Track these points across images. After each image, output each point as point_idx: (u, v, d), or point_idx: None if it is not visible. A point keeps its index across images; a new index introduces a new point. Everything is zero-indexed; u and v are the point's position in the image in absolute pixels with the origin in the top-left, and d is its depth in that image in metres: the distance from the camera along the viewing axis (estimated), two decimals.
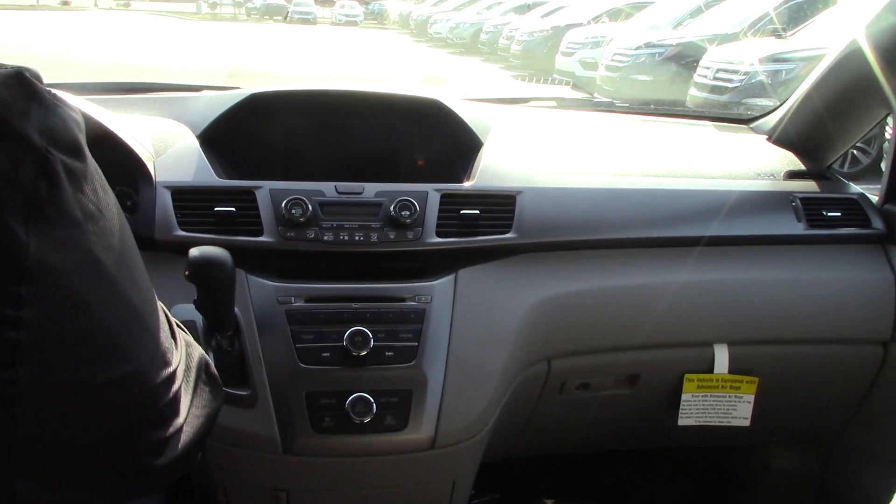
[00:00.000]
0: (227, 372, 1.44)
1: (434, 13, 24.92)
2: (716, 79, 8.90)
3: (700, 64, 9.36)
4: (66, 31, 21.78)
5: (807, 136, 1.98)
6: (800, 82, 2.02)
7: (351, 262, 1.59)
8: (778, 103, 2.14)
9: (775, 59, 8.57)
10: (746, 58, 8.75)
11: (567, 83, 12.28)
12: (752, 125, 2.18)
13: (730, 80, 8.73)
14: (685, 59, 10.50)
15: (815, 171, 1.94)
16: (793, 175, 1.90)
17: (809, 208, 1.83)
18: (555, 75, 12.99)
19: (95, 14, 34.98)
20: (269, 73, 12.76)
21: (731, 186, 1.82)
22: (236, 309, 1.43)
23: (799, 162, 1.96)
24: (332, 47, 20.74)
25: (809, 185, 1.89)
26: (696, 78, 9.30)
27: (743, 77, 8.65)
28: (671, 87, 10.49)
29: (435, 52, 20.41)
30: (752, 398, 1.79)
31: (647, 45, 11.12)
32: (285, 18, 36.45)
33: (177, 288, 1.42)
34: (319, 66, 14.74)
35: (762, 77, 8.52)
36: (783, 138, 2.04)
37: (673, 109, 2.41)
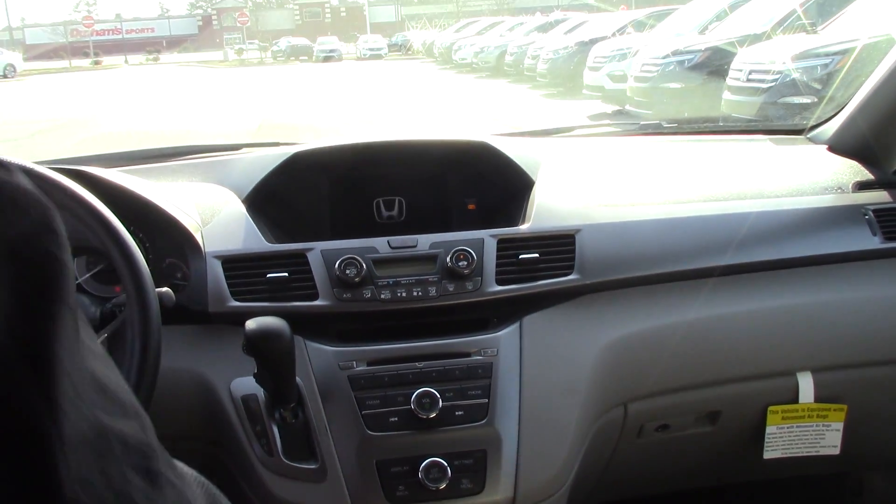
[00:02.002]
0: (292, 445, 1.40)
1: (458, 39, 25.00)
2: (749, 80, 8.75)
3: (731, 67, 9.21)
4: (99, 91, 22.25)
5: (871, 142, 1.89)
6: (839, 77, 1.93)
7: (410, 319, 1.53)
8: (816, 99, 2.06)
9: (809, 56, 8.40)
10: (778, 57, 8.60)
11: (598, 98, 12.28)
12: (809, 135, 2.09)
13: (763, 81, 8.57)
14: (715, 63, 10.35)
15: (883, 179, 1.85)
16: (861, 186, 1.81)
17: (884, 220, 1.74)
18: (584, 91, 12.92)
19: (126, 71, 35.74)
20: (300, 121, 12.85)
21: (799, 204, 1.73)
22: (298, 378, 1.39)
23: (863, 170, 1.87)
24: (361, 84, 20.91)
25: (880, 195, 1.80)
26: (728, 81, 9.16)
27: (776, 76, 8.48)
28: (704, 92, 10.35)
29: (462, 77, 20.46)
30: (840, 426, 1.70)
31: (675, 53, 10.98)
32: (311, 58, 36.91)
33: (235, 361, 1.39)
34: (352, 109, 14.83)
35: (796, 75, 8.37)
36: (845, 146, 1.95)
37: (724, 126, 2.33)
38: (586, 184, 1.73)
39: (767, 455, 1.72)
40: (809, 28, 9.29)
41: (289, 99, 17.89)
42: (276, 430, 1.40)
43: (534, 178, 1.70)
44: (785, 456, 1.72)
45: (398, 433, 1.41)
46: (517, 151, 1.75)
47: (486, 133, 1.81)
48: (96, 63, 42.41)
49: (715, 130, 2.25)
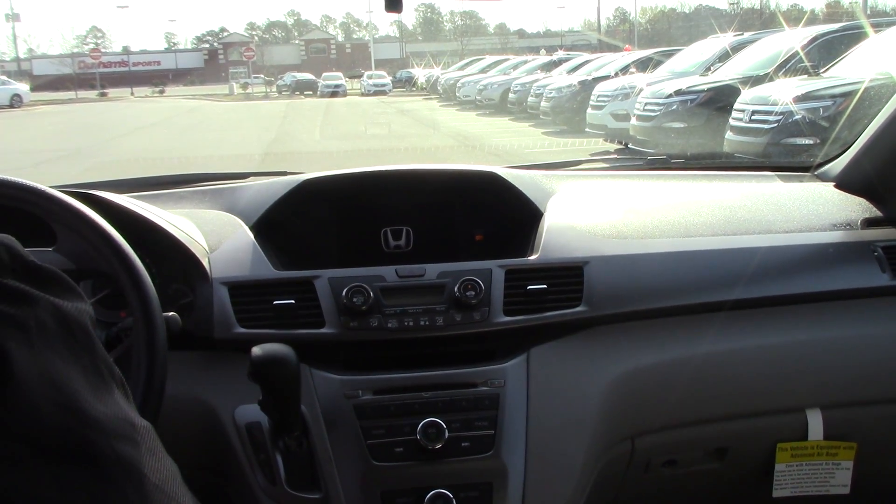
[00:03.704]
0: (296, 474, 1.38)
1: (461, 76, 25.22)
2: (751, 121, 8.80)
3: (734, 107, 9.27)
4: (106, 121, 22.40)
5: (879, 180, 1.89)
6: (841, 119, 1.93)
7: (417, 348, 1.52)
8: (818, 141, 2.06)
9: (811, 97, 8.46)
10: (781, 98, 8.65)
11: (601, 136, 12.34)
12: (816, 172, 2.09)
13: (766, 122, 8.62)
14: (718, 103, 10.42)
15: (891, 216, 1.85)
16: (870, 223, 1.81)
17: (893, 257, 1.73)
18: (587, 129, 12.99)
19: (132, 103, 36.01)
20: (304, 150, 12.93)
21: (808, 240, 1.73)
22: (302, 407, 1.37)
23: (871, 207, 1.87)
24: (364, 118, 21.07)
25: (889, 233, 1.79)
26: (731, 121, 9.21)
27: (779, 117, 8.53)
28: (706, 132, 10.40)
29: (464, 114, 20.60)
30: (850, 464, 1.68)
31: (678, 93, 11.05)
32: (315, 93, 37.20)
33: (239, 388, 1.38)
34: (353, 139, 14.92)
35: (799, 116, 8.41)
36: (852, 184, 1.95)
37: (731, 162, 2.33)
38: (595, 216, 1.73)
39: (777, 493, 1.70)
40: (812, 70, 9.36)
41: (293, 130, 18.00)
42: (279, 458, 1.38)
43: (542, 209, 1.70)
44: (794, 495, 1.70)
45: (403, 464, 1.39)
46: (526, 183, 1.75)
47: (495, 165, 1.81)
48: (103, 94, 42.81)
49: (722, 166, 2.25)
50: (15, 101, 30.86)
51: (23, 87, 34.14)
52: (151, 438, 0.59)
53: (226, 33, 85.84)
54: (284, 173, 1.89)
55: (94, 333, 0.60)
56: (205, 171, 2.03)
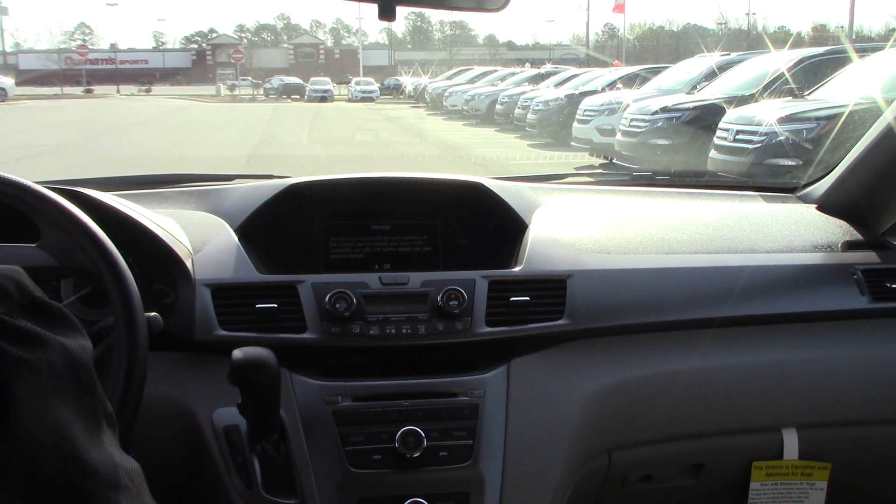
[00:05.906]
0: (273, 479, 1.38)
1: (449, 86, 25.28)
2: (736, 140, 8.85)
3: (719, 126, 9.33)
4: (91, 118, 22.27)
5: (860, 204, 1.91)
6: (825, 141, 1.95)
7: (398, 356, 1.52)
8: (801, 162, 2.07)
9: (795, 119, 8.54)
10: (766, 118, 8.72)
11: (586, 150, 12.38)
12: (799, 194, 2.11)
13: (750, 141, 8.68)
14: (703, 121, 10.48)
15: (872, 240, 1.87)
16: (850, 245, 1.83)
17: (872, 280, 1.75)
18: (572, 143, 13.04)
19: (118, 101, 35.83)
20: (289, 154, 12.91)
21: (789, 260, 1.74)
22: (281, 411, 1.37)
23: (852, 230, 1.89)
24: (351, 124, 21.06)
25: (869, 256, 1.81)
26: (715, 140, 9.26)
27: (763, 138, 8.59)
28: (690, 150, 10.46)
29: (451, 124, 20.64)
30: (824, 485, 1.69)
31: (664, 110, 11.11)
32: (303, 97, 37.18)
33: (219, 390, 1.37)
34: (339, 145, 14.90)
35: (783, 137, 8.47)
36: (834, 206, 1.97)
37: (716, 181, 2.35)
38: (579, 230, 1.74)
39: None
40: (797, 92, 9.43)
41: (279, 133, 17.97)
42: (256, 462, 1.38)
43: (527, 221, 1.71)
44: None
45: (381, 471, 1.39)
46: (511, 194, 1.76)
47: (481, 176, 1.82)
48: (88, 91, 42.59)
49: (707, 185, 2.27)
50: None
51: (8, 81, 33.89)
52: (139, 483, 0.59)
53: (215, 34, 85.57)
54: (270, 177, 1.89)
55: (94, 373, 0.60)
56: (190, 172, 2.02)
